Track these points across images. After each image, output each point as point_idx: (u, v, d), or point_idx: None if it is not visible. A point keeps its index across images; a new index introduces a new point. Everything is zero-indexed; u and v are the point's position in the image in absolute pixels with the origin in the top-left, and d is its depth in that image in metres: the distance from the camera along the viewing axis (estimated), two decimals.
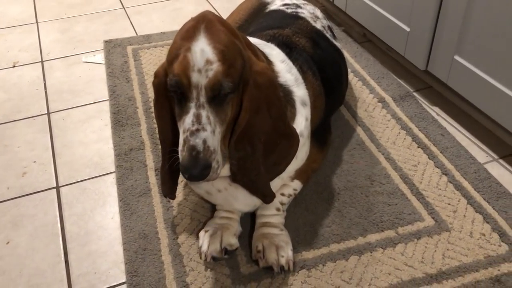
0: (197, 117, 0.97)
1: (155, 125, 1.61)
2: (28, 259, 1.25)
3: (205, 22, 0.99)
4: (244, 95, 1.03)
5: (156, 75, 1.09)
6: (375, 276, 1.17)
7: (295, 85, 1.26)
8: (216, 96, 0.98)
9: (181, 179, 1.37)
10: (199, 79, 0.96)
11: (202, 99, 0.97)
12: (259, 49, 1.21)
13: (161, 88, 1.07)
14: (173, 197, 1.21)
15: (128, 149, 1.55)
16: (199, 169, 0.96)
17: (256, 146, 1.08)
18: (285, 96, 1.21)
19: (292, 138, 1.15)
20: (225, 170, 1.11)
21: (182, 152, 0.98)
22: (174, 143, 1.07)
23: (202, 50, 0.96)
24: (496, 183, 1.40)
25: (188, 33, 0.99)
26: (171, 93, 1.01)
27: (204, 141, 0.97)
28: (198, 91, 0.97)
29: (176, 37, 1.02)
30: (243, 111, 1.04)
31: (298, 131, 1.21)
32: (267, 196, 1.16)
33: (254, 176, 1.11)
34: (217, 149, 0.99)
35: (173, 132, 1.10)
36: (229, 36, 1.01)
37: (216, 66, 0.96)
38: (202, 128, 0.97)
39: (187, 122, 0.98)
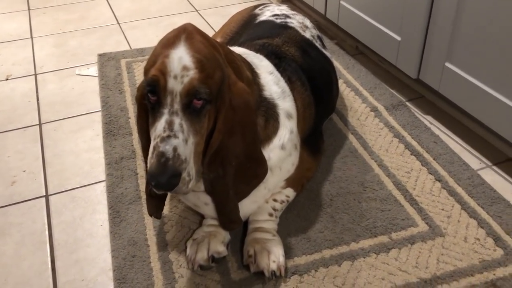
0: (169, 124, 0.94)
1: None
2: (14, 267, 1.22)
3: (186, 33, 0.99)
4: (219, 114, 1.01)
5: (138, 89, 1.08)
6: (368, 281, 1.14)
7: (281, 97, 1.25)
8: (191, 104, 0.96)
9: (169, 198, 1.35)
10: (175, 86, 0.94)
11: (176, 106, 0.95)
12: (245, 60, 1.21)
13: (141, 101, 1.05)
14: (158, 216, 1.19)
15: (119, 158, 1.54)
16: (167, 176, 0.91)
17: (227, 169, 1.06)
18: (268, 110, 1.20)
19: (262, 164, 1.12)
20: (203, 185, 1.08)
21: (150, 160, 0.93)
22: None
23: (180, 57, 0.95)
24: (490, 189, 1.39)
25: (169, 41, 0.98)
26: (146, 99, 0.98)
27: (175, 148, 0.92)
28: (172, 97, 0.94)
29: (156, 46, 1.01)
30: (217, 132, 1.01)
31: (280, 143, 1.21)
32: (233, 222, 1.13)
33: (223, 199, 1.09)
34: (189, 159, 0.95)
35: None
36: (210, 48, 1.00)
37: (192, 73, 0.94)
38: (173, 135, 0.93)
39: (158, 129, 0.94)
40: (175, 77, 0.94)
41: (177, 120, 0.94)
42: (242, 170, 1.09)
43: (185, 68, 0.94)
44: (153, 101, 0.97)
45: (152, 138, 0.96)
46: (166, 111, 0.95)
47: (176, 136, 0.93)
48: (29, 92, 1.94)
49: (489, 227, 1.27)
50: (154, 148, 0.93)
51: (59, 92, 1.93)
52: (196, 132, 0.97)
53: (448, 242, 1.23)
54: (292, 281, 1.14)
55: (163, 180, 0.91)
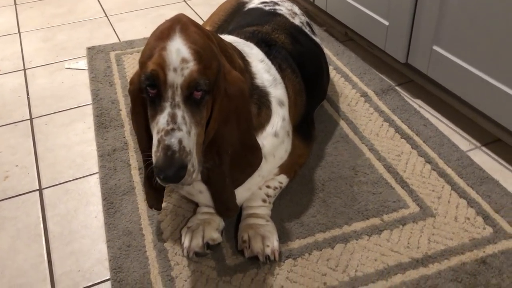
0: (172, 117, 0.94)
1: None
2: (10, 260, 1.23)
3: (180, 24, 0.98)
4: (215, 103, 1.01)
5: (131, 82, 1.07)
6: (361, 263, 1.16)
7: (272, 85, 1.26)
8: (191, 96, 0.96)
9: (168, 189, 1.36)
10: (175, 78, 0.94)
11: (178, 98, 0.95)
12: (236, 48, 1.21)
13: (136, 94, 1.04)
14: (159, 207, 1.20)
15: (112, 150, 1.54)
16: (174, 169, 0.92)
17: (223, 157, 1.07)
18: (260, 98, 1.21)
19: (257, 151, 1.14)
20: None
21: (156, 153, 0.94)
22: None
23: (178, 49, 0.94)
24: (479, 169, 1.41)
25: (163, 34, 0.97)
26: (145, 93, 0.98)
27: (180, 141, 0.93)
28: (173, 90, 0.94)
29: (150, 38, 1.00)
30: (213, 121, 1.02)
31: (273, 131, 1.22)
32: (230, 210, 1.15)
33: (220, 187, 1.10)
34: (192, 151, 0.96)
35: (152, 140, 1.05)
36: (205, 39, 1.00)
37: (192, 65, 0.94)
38: (177, 127, 0.94)
39: (161, 122, 0.95)
40: (175, 70, 0.94)
41: (179, 113, 0.95)
42: (238, 158, 1.10)
43: (184, 60, 0.94)
44: (152, 95, 0.97)
45: (154, 132, 0.96)
46: (167, 104, 0.95)
47: (180, 128, 0.94)
48: (18, 87, 1.94)
49: (478, 206, 1.29)
50: (159, 141, 0.94)
51: (49, 87, 1.93)
52: (197, 123, 0.98)
53: (438, 222, 1.26)
54: (286, 265, 1.16)
55: (171, 173, 0.92)
